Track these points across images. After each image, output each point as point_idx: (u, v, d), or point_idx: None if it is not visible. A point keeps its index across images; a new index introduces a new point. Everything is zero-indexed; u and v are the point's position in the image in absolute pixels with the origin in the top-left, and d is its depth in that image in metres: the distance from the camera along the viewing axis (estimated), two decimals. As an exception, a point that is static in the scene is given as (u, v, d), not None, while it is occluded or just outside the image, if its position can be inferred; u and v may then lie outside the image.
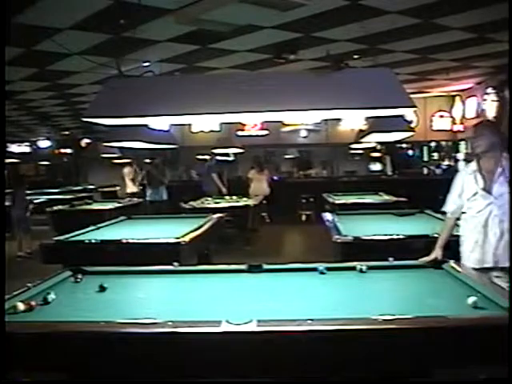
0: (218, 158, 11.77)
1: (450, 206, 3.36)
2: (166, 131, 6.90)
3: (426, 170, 14.38)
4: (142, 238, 4.27)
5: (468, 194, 3.21)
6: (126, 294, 2.70)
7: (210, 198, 9.10)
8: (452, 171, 12.61)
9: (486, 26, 6.14)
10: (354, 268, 2.96)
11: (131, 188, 10.85)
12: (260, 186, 10.43)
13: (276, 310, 2.23)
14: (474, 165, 3.23)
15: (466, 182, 3.23)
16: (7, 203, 8.09)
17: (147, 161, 10.80)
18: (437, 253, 3.15)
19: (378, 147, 14.88)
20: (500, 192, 3.06)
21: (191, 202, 8.21)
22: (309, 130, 12.51)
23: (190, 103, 3.29)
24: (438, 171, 13.74)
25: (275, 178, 12.47)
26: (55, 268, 3.25)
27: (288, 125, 12.03)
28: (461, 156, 12.48)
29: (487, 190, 3.10)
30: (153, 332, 1.86)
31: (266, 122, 11.42)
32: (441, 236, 3.33)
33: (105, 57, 6.37)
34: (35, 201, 9.93)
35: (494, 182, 3.08)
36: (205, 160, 12.57)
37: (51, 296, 2.37)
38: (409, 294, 2.57)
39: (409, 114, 8.12)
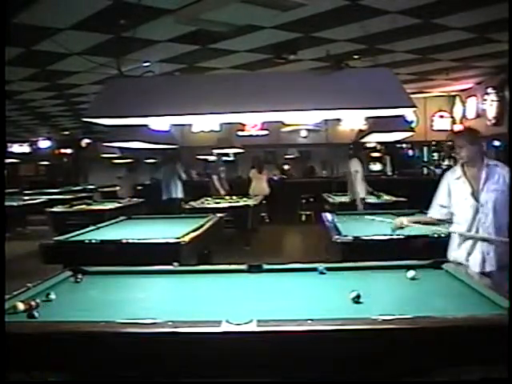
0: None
1: (434, 213, 3.27)
2: (166, 131, 6.91)
3: (426, 170, 14.37)
4: (142, 238, 4.27)
5: (456, 199, 3.12)
6: (125, 294, 2.70)
7: (209, 198, 9.10)
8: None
9: (486, 26, 6.14)
10: (353, 268, 2.96)
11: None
12: (260, 185, 10.45)
13: (276, 309, 2.23)
14: (459, 170, 3.14)
15: (453, 187, 3.14)
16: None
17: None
18: (401, 221, 3.33)
19: (378, 147, 14.87)
20: (486, 199, 2.99)
21: (191, 202, 8.20)
22: (309, 130, 12.50)
23: (190, 103, 3.29)
24: (438, 171, 13.73)
25: (275, 178, 12.47)
26: (55, 268, 3.25)
27: (288, 125, 12.02)
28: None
29: (475, 196, 3.02)
30: (153, 332, 1.86)
31: (267, 122, 11.42)
32: (418, 223, 3.46)
33: (105, 57, 6.36)
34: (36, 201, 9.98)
35: (481, 189, 3.01)
36: (205, 160, 12.56)
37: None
38: (409, 293, 2.57)
39: (409, 114, 8.11)
